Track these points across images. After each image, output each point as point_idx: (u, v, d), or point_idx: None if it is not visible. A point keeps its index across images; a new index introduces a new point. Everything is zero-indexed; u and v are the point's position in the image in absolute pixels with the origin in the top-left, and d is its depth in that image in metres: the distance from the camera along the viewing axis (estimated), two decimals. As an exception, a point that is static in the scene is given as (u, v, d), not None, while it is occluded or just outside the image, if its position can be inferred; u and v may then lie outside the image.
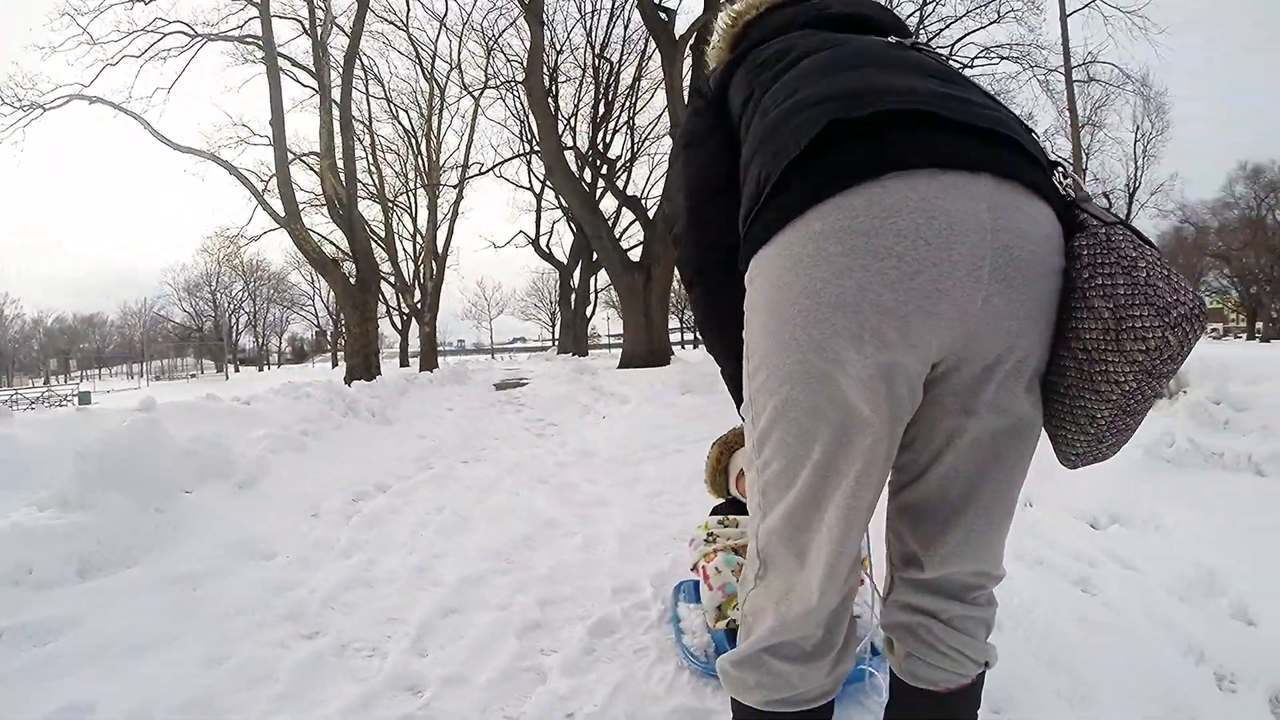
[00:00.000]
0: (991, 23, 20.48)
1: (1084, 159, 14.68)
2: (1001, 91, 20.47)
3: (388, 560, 2.45)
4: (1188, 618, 1.79)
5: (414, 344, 29.69)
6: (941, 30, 21.60)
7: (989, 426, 0.83)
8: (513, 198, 44.28)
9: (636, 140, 24.81)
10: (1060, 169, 0.81)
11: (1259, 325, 41.90)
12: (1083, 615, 1.85)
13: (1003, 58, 20.98)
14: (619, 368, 13.65)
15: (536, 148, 23.29)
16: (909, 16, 21.46)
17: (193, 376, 42.91)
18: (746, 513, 1.86)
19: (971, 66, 21.24)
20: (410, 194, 22.99)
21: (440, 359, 20.71)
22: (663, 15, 15.53)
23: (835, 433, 0.79)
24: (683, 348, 38.84)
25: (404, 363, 28.09)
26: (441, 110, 21.36)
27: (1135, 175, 20.03)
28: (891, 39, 0.95)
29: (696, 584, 2.07)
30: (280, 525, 2.78)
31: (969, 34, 21.46)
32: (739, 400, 1.03)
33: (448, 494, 3.48)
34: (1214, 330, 49.98)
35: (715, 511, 2.08)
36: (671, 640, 1.80)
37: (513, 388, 10.42)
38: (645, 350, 14.47)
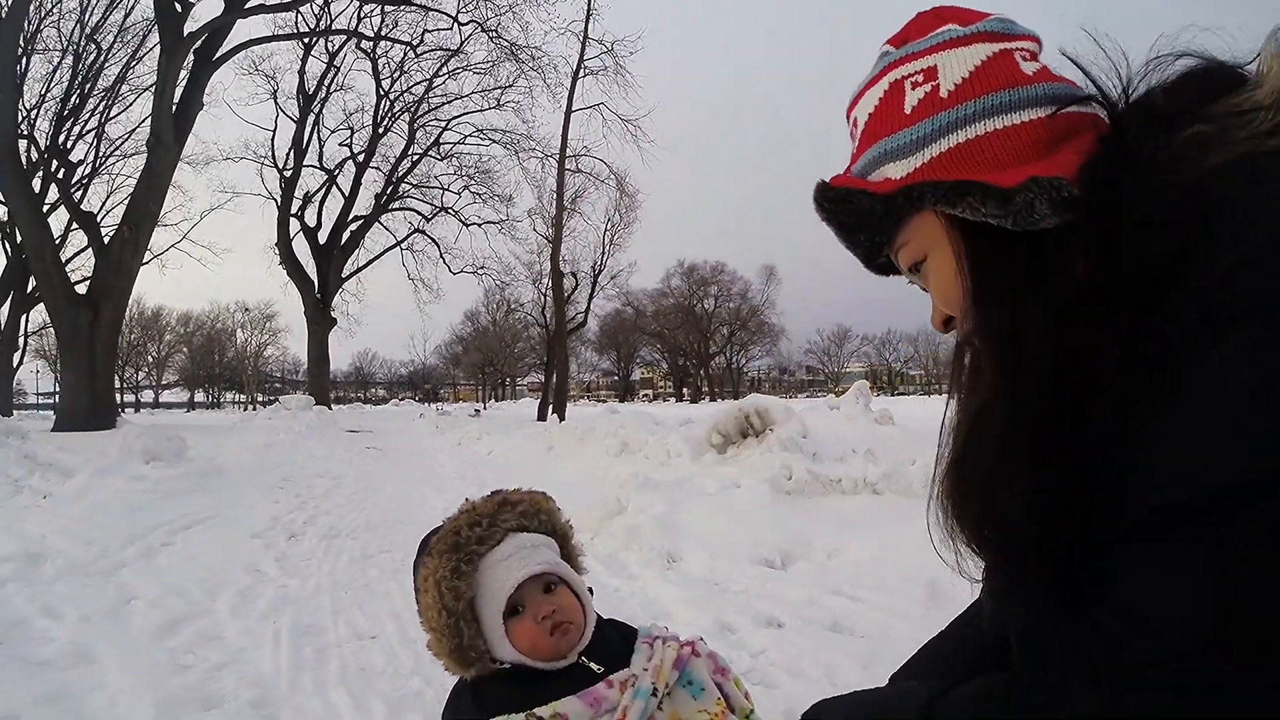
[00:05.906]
0: (490, 108, 22.81)
1: (562, 241, 17.44)
2: (488, 171, 23.61)
3: None
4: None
5: None
6: (443, 105, 23.26)
7: None
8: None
9: (103, 151, 20.57)
10: None
11: (685, 390, 56.76)
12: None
13: (494, 141, 23.29)
14: (54, 430, 11.15)
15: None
16: (415, 85, 22.55)
17: None
18: (549, 693, 0.79)
19: (464, 143, 23.48)
20: None
21: None
22: (178, 7, 13.06)
23: None
24: (137, 411, 29.23)
25: None
26: None
27: (601, 259, 23.78)
28: None
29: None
30: None
31: (466, 113, 23.55)
32: None
33: None
34: (646, 394, 64.22)
35: (469, 698, 0.85)
36: None
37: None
38: (87, 408, 11.71)
